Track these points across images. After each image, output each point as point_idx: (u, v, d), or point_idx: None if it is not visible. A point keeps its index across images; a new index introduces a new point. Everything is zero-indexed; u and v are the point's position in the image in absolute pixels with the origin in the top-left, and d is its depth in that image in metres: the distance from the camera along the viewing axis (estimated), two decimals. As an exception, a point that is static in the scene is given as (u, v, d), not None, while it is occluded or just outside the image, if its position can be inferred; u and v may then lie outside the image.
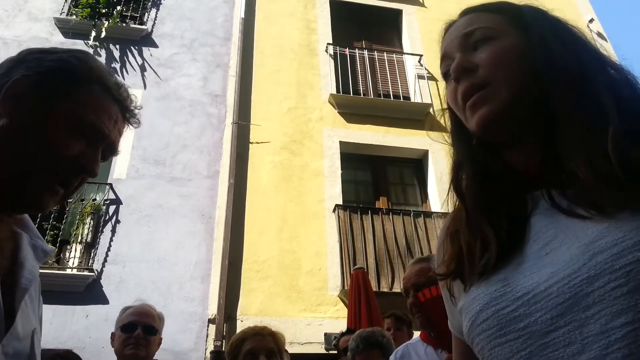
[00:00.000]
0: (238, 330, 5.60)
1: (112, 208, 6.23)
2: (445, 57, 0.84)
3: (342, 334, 3.58)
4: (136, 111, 0.97)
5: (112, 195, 6.31)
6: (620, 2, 44.56)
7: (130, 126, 0.97)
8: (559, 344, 0.59)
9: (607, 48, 10.16)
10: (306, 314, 5.87)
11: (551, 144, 0.71)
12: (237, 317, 5.72)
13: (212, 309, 5.69)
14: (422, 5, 9.48)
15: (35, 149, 0.80)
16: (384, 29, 9.32)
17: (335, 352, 5.55)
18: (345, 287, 5.86)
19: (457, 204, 0.83)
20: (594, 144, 0.65)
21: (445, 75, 0.84)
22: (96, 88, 0.89)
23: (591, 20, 10.51)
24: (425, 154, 7.66)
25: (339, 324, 5.80)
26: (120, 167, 6.53)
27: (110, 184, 6.35)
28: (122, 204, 6.27)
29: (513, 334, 0.64)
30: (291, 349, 5.53)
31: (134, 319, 2.22)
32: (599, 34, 10.32)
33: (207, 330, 5.60)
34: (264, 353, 1.93)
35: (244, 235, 6.29)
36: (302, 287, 6.05)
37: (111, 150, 0.92)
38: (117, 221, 6.15)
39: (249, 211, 6.50)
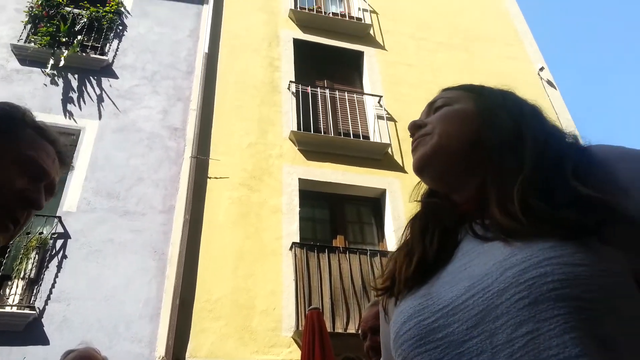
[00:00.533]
0: (187, 372, 5.40)
1: (59, 242, 5.99)
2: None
3: None
4: (67, 154, 1.00)
5: (60, 229, 6.08)
6: (570, 51, 47.16)
7: (63, 167, 0.99)
8: (472, 353, 0.64)
9: (556, 95, 10.67)
10: (258, 356, 5.72)
11: (484, 188, 0.80)
12: (186, 359, 5.52)
13: (160, 351, 5.48)
14: (383, 48, 9.77)
15: None
16: (345, 70, 9.53)
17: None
18: (300, 328, 5.77)
19: (404, 236, 0.92)
20: (508, 191, 0.73)
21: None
22: (30, 130, 0.92)
23: (541, 69, 11.05)
24: (382, 193, 7.75)
25: (292, 366, 5.68)
26: (70, 199, 6.33)
27: (59, 217, 6.13)
28: (70, 238, 6.05)
29: (432, 343, 0.69)
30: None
31: None
32: (549, 82, 10.84)
33: (154, 372, 5.38)
34: None
35: (198, 273, 6.14)
36: (255, 327, 5.92)
37: (51, 189, 0.93)
38: (64, 256, 5.91)
39: (203, 248, 6.37)
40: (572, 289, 0.60)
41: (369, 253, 6.71)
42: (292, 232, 6.81)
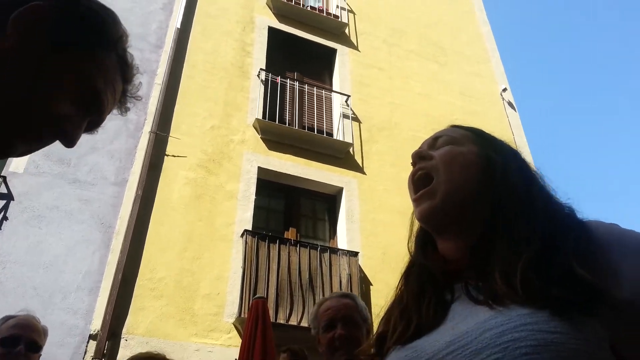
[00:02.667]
0: (121, 349, 5.29)
1: (0, 203, 5.74)
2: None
3: None
4: (133, 98, 0.88)
5: (3, 189, 5.82)
6: (530, 73, 48.91)
7: (119, 111, 0.87)
8: None
9: (515, 116, 11.00)
10: (197, 339, 5.67)
11: (480, 245, 0.83)
12: (122, 336, 5.40)
13: (96, 324, 5.35)
14: (356, 48, 9.83)
15: (27, 90, 0.68)
16: (317, 65, 9.54)
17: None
18: (242, 315, 5.75)
19: (399, 289, 0.97)
20: (513, 264, 0.75)
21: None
22: (114, 57, 0.79)
23: (504, 90, 11.41)
24: (339, 191, 7.82)
25: (230, 353, 5.66)
26: (18, 159, 6.06)
27: (4, 177, 5.86)
28: (13, 199, 5.80)
29: None
30: (175, 374, 5.29)
31: (17, 332, 1.99)
32: (510, 103, 11.21)
33: (87, 346, 5.24)
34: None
35: (144, 249, 6.02)
36: (196, 310, 5.86)
37: (95, 126, 0.80)
38: (5, 217, 5.66)
39: (153, 225, 6.24)
40: (543, 354, 0.63)
41: (319, 248, 6.76)
42: (245, 219, 6.77)
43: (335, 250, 6.91)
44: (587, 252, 0.73)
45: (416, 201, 0.90)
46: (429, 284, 0.89)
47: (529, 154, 10.12)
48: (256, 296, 4.74)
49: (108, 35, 0.77)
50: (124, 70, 0.81)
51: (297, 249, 6.63)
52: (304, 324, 6.08)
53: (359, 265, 6.88)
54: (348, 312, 1.97)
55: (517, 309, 0.69)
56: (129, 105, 0.86)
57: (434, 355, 0.74)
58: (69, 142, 0.74)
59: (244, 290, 6.02)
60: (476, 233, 0.85)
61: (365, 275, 6.97)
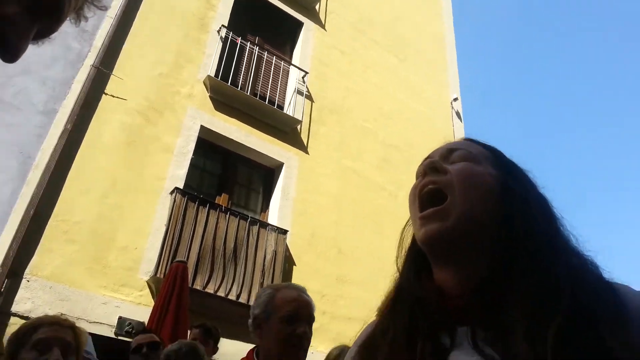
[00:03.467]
0: (21, 289, 4.92)
1: None
2: (425, 159, 0.88)
3: (138, 332, 3.30)
4: None
5: None
6: (483, 86, 50.72)
7: (74, 19, 0.66)
8: None
9: (460, 128, 11.29)
10: (106, 291, 5.39)
11: (490, 284, 0.71)
12: (24, 276, 5.02)
13: (-4, 259, 4.93)
14: (323, 27, 9.65)
15: None
16: (280, 35, 9.27)
17: (125, 339, 5.17)
18: (158, 275, 5.53)
19: (383, 315, 0.84)
20: (541, 326, 0.64)
21: (417, 174, 0.88)
22: None
23: (455, 99, 11.68)
24: (279, 166, 7.69)
25: (139, 311, 5.44)
26: None
27: None
28: None
29: None
30: (77, 324, 5.01)
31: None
32: (458, 114, 11.50)
33: (-18, 280, 4.82)
34: (59, 345, 1.61)
35: (63, 188, 5.61)
36: (110, 262, 5.56)
37: (42, 36, 0.61)
38: None
39: (77, 164, 5.82)
40: None
41: (249, 220, 6.62)
42: (177, 176, 6.49)
43: (265, 225, 6.79)
44: (624, 328, 0.63)
45: (424, 219, 0.79)
46: (422, 320, 0.76)
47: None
48: (177, 259, 4.55)
49: None
50: None
51: (227, 216, 6.45)
52: (221, 293, 5.95)
53: (286, 244, 6.81)
54: (311, 311, 1.86)
55: None
56: (87, 13, 0.67)
57: None
58: (10, 56, 0.56)
59: (164, 250, 5.77)
60: (483, 267, 0.74)
61: (291, 255, 6.93)
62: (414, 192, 0.83)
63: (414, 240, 0.86)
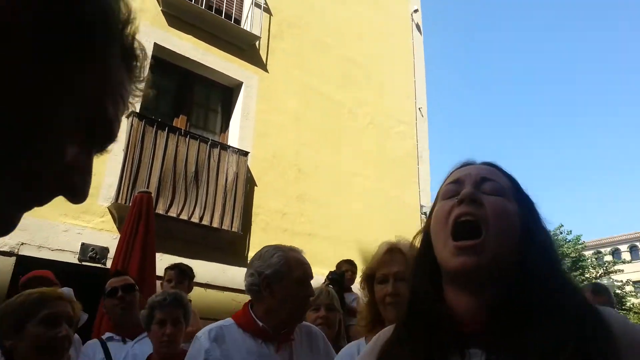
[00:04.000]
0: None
1: None
2: (456, 182, 0.92)
3: (111, 274, 3.31)
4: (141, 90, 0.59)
5: None
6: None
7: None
8: None
9: (420, 41, 11.13)
10: (67, 219, 5.34)
11: (506, 311, 0.79)
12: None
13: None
14: None
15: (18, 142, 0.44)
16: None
17: (89, 264, 5.24)
18: (120, 201, 5.50)
19: (397, 332, 0.91)
20: (552, 350, 0.73)
21: (444, 194, 0.92)
22: (118, 57, 0.52)
23: (415, 11, 11.41)
24: (238, 85, 7.48)
25: (101, 237, 5.47)
26: None
27: None
28: None
29: None
30: (39, 253, 5.02)
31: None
32: (417, 26, 11.30)
33: None
34: (66, 320, 1.64)
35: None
36: (69, 190, 5.45)
37: (102, 150, 0.55)
38: None
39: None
40: None
41: (209, 143, 6.54)
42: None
43: (225, 147, 6.74)
44: (609, 351, 0.74)
45: (460, 250, 0.83)
46: (436, 341, 0.84)
47: (424, 79, 10.47)
48: (141, 190, 4.51)
49: (105, 29, 0.49)
50: (131, 67, 0.55)
51: (187, 140, 6.35)
52: (184, 216, 6.02)
53: (247, 166, 6.84)
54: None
55: None
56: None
57: None
58: (80, 198, 0.51)
59: (124, 175, 5.70)
60: (499, 295, 0.82)
61: (252, 176, 6.98)
62: (446, 216, 0.87)
63: (427, 255, 0.91)
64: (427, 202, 8.94)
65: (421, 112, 9.74)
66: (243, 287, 6.57)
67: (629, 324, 0.82)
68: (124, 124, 5.99)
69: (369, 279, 1.80)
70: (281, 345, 1.93)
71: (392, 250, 1.77)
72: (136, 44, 0.55)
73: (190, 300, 3.51)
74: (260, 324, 1.93)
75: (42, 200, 0.49)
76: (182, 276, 3.62)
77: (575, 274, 23.25)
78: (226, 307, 6.07)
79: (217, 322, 1.99)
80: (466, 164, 0.97)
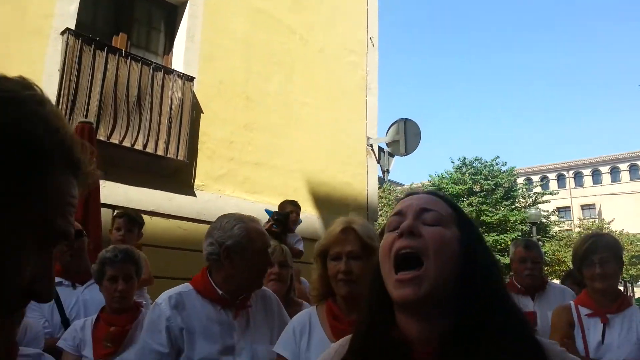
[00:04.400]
0: None
1: None
2: (398, 214, 0.97)
3: None
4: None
5: None
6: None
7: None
8: None
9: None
10: None
11: (456, 337, 0.85)
12: None
13: None
14: None
15: None
16: None
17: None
18: (56, 126, 5.20)
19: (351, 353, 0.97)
20: None
21: (389, 227, 0.97)
22: (62, 167, 0.56)
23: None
24: (183, 3, 7.03)
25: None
26: None
27: None
28: None
29: None
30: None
31: None
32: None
33: None
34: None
35: None
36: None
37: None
38: None
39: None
40: None
41: (152, 66, 6.21)
42: (67, 13, 5.75)
43: (170, 71, 6.43)
44: None
45: (399, 282, 0.88)
46: None
47: (376, 7, 10.20)
48: (82, 120, 4.29)
49: (44, 145, 0.52)
50: (77, 173, 0.58)
51: (128, 62, 6.00)
52: (127, 143, 5.82)
53: (193, 92, 6.60)
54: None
55: None
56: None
57: None
58: (47, 300, 0.57)
59: (60, 99, 5.36)
60: (447, 321, 0.87)
61: (198, 103, 6.77)
62: (389, 248, 0.91)
63: (379, 284, 0.95)
64: (374, 134, 9.05)
65: (372, 42, 9.60)
66: (189, 215, 6.60)
67: (566, 357, 0.92)
68: (59, 43, 5.56)
69: (323, 254, 1.86)
70: (239, 311, 2.00)
71: (347, 230, 1.83)
72: (76, 151, 0.57)
73: (142, 247, 3.49)
74: (220, 291, 1.98)
75: (12, 312, 0.54)
76: (132, 224, 3.53)
77: (506, 203, 24.79)
78: (172, 235, 6.10)
79: (175, 288, 2.03)
80: (410, 194, 1.01)
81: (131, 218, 3.53)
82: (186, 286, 2.03)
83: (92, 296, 2.52)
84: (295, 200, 5.08)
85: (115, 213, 3.86)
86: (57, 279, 2.79)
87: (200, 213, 6.26)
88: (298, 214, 4.76)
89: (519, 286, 3.46)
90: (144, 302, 2.95)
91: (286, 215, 4.36)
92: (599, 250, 2.41)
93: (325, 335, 1.79)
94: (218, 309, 1.96)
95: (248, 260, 1.96)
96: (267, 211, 4.59)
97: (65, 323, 2.62)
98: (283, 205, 4.79)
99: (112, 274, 2.37)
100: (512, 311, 0.90)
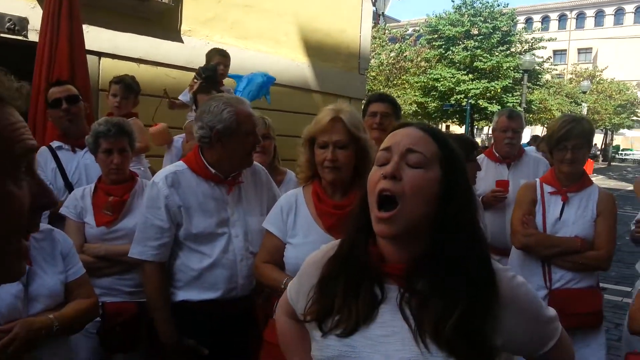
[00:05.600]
0: None
1: None
2: (387, 150, 1.06)
3: (50, 85, 3.03)
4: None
5: None
6: None
7: None
8: None
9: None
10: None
11: (424, 263, 1.01)
12: None
13: None
14: None
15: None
16: None
17: (8, 36, 4.87)
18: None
19: (332, 271, 1.12)
20: (445, 317, 0.98)
21: (377, 161, 1.08)
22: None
23: None
24: None
25: (17, 5, 4.96)
26: None
27: None
28: None
29: None
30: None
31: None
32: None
33: None
34: None
35: None
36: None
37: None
38: None
39: None
40: None
41: None
42: None
43: None
44: (493, 308, 1.00)
45: (378, 219, 1.01)
46: (365, 278, 1.06)
47: None
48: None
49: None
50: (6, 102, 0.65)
51: None
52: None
53: None
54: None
55: (434, 357, 0.98)
56: None
57: None
58: (55, 203, 0.71)
59: None
60: (420, 248, 1.03)
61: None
62: (374, 186, 1.04)
63: (365, 210, 1.08)
64: (370, -23, 8.46)
65: None
66: (177, 63, 6.49)
67: (514, 284, 1.06)
68: None
69: (310, 141, 1.94)
70: (232, 187, 2.14)
71: (335, 120, 1.89)
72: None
73: (137, 115, 3.48)
74: (213, 170, 2.10)
75: (32, 231, 0.68)
76: (128, 91, 3.45)
77: (502, 48, 24.15)
78: (161, 83, 6.03)
79: (169, 167, 2.14)
80: (401, 125, 1.10)
81: (127, 85, 3.45)
82: (180, 165, 2.16)
83: (93, 160, 2.56)
84: (224, 49, 4.52)
85: (112, 79, 3.69)
86: (57, 144, 2.88)
87: (188, 61, 6.11)
88: (226, 65, 4.27)
89: (497, 155, 3.63)
90: (142, 168, 3.08)
91: (214, 69, 3.95)
92: (573, 137, 2.49)
93: (310, 215, 1.97)
94: (212, 185, 2.11)
95: (238, 142, 2.07)
96: (233, 76, 4.32)
97: (69, 187, 2.75)
98: (210, 55, 4.32)
99: (106, 147, 2.43)
100: (477, 242, 1.05)
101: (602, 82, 35.75)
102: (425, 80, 24.27)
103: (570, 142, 2.50)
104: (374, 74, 22.76)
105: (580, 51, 48.40)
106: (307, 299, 1.15)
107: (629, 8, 45.69)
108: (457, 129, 27.58)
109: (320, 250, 1.23)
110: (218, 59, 4.15)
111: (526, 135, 13.13)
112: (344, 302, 1.07)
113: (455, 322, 0.97)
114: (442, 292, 0.99)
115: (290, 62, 7.32)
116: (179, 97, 4.30)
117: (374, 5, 8.63)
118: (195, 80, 3.76)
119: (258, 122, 2.20)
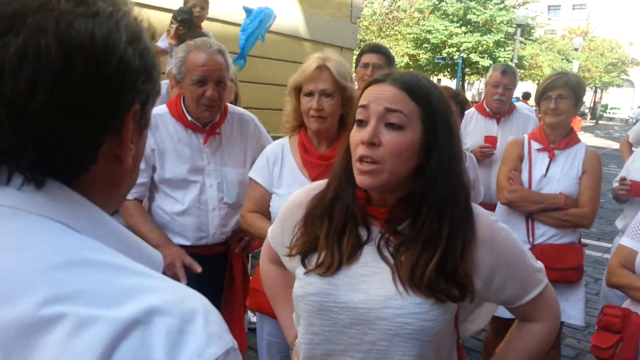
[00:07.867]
0: None
1: None
2: (366, 107, 1.04)
3: None
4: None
5: None
6: None
7: None
8: (349, 335, 1.06)
9: None
10: None
11: (406, 207, 1.05)
12: None
13: None
14: None
15: None
16: None
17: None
18: None
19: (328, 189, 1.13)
20: (423, 262, 1.02)
21: (357, 115, 1.06)
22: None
23: None
24: None
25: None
26: None
27: None
28: None
29: (325, 318, 1.07)
30: None
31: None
32: None
33: None
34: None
35: None
36: None
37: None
38: None
39: None
40: (419, 334, 0.99)
41: None
42: None
43: None
44: (470, 247, 1.02)
45: (359, 170, 1.02)
46: (350, 219, 1.07)
47: None
48: None
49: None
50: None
51: None
52: None
53: None
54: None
55: (412, 297, 1.01)
56: None
57: (348, 302, 1.05)
58: None
59: None
60: (405, 191, 1.04)
61: None
62: (354, 148, 1.03)
63: (349, 158, 1.08)
64: None
65: None
66: (158, 4, 6.18)
67: (494, 227, 1.08)
68: None
69: (296, 89, 1.88)
70: (208, 137, 2.10)
71: (321, 68, 1.83)
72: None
73: None
74: (189, 117, 2.07)
75: None
76: None
77: (496, 1, 23.64)
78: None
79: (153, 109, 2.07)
80: (378, 80, 1.06)
81: None
82: (162, 108, 2.12)
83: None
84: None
85: None
86: None
87: (169, 2, 5.90)
88: (203, 7, 4.01)
89: (488, 110, 3.60)
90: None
91: (188, 12, 3.74)
92: (558, 87, 2.47)
93: (296, 164, 1.95)
94: (189, 133, 2.08)
95: (186, 91, 2.04)
96: (245, 8, 4.24)
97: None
98: None
99: None
100: (458, 188, 1.05)
101: (594, 39, 35.49)
102: (417, 32, 23.86)
103: (555, 92, 2.48)
104: (366, 23, 22.28)
105: (574, 7, 47.68)
106: (292, 235, 1.17)
107: (626, -36, 44.70)
108: (449, 82, 27.37)
109: (304, 190, 1.24)
110: (194, 1, 3.91)
111: (517, 91, 13.02)
112: (328, 242, 1.09)
113: (433, 265, 0.99)
114: (421, 236, 1.01)
115: (279, 9, 7.07)
116: (157, 43, 4.12)
117: (367, -50, 8.28)
118: (172, 25, 3.60)
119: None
